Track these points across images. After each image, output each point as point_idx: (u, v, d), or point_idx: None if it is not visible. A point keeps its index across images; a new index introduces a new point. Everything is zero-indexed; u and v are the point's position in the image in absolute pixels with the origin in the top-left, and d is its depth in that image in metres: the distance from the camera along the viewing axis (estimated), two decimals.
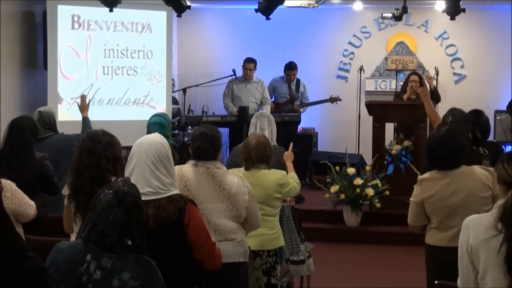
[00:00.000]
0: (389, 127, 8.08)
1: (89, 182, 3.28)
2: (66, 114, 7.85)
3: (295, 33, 10.68)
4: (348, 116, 10.21)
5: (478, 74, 10.60)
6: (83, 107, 5.92)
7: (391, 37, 10.75)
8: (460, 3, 6.53)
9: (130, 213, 2.48)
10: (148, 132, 4.71)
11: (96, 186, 3.05)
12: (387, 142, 7.75)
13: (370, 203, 7.26)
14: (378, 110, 7.75)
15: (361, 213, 7.39)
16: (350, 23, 10.83)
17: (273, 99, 9.41)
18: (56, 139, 5.36)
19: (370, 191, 7.16)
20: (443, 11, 6.72)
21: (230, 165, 4.68)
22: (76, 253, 2.48)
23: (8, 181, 3.81)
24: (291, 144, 4.82)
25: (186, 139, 8.74)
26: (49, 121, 5.38)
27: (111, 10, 6.85)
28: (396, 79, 9.93)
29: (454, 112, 4.73)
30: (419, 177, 3.98)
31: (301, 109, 9.33)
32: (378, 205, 7.22)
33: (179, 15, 7.23)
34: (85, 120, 5.81)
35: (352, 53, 10.85)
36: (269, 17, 6.83)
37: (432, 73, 9.96)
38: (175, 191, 2.99)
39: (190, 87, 9.59)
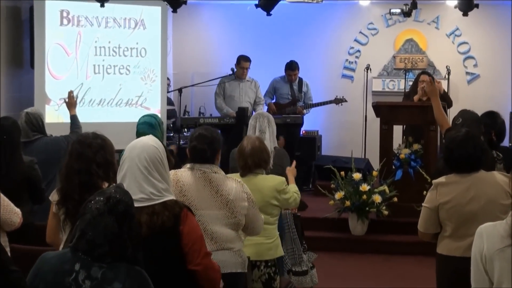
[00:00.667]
0: (398, 130, 8.09)
1: (78, 188, 3.26)
2: (55, 116, 7.84)
3: (297, 30, 10.68)
4: (354, 118, 10.20)
5: (492, 74, 10.59)
6: (71, 104, 5.90)
7: (399, 34, 10.75)
8: None
9: (122, 221, 2.46)
10: (137, 132, 4.72)
11: (86, 193, 3.03)
12: (395, 146, 7.76)
13: (377, 211, 7.24)
14: (386, 111, 7.74)
15: (367, 221, 7.38)
16: (356, 19, 10.83)
17: (274, 100, 9.41)
18: (45, 142, 5.34)
19: (377, 198, 7.15)
20: (455, 7, 6.75)
21: (232, 169, 4.68)
22: (64, 263, 2.46)
23: None
24: (294, 161, 4.87)
25: (182, 142, 8.74)
26: (37, 123, 5.36)
27: (102, 5, 6.87)
28: (405, 78, 9.90)
29: (464, 114, 4.73)
30: (434, 181, 3.93)
31: (304, 111, 9.29)
32: (386, 212, 7.22)
33: (174, 11, 7.23)
34: (74, 118, 5.78)
35: (358, 51, 10.85)
36: (270, 13, 6.85)
37: (443, 72, 9.97)
38: (170, 197, 2.98)
39: (186, 87, 9.58)
